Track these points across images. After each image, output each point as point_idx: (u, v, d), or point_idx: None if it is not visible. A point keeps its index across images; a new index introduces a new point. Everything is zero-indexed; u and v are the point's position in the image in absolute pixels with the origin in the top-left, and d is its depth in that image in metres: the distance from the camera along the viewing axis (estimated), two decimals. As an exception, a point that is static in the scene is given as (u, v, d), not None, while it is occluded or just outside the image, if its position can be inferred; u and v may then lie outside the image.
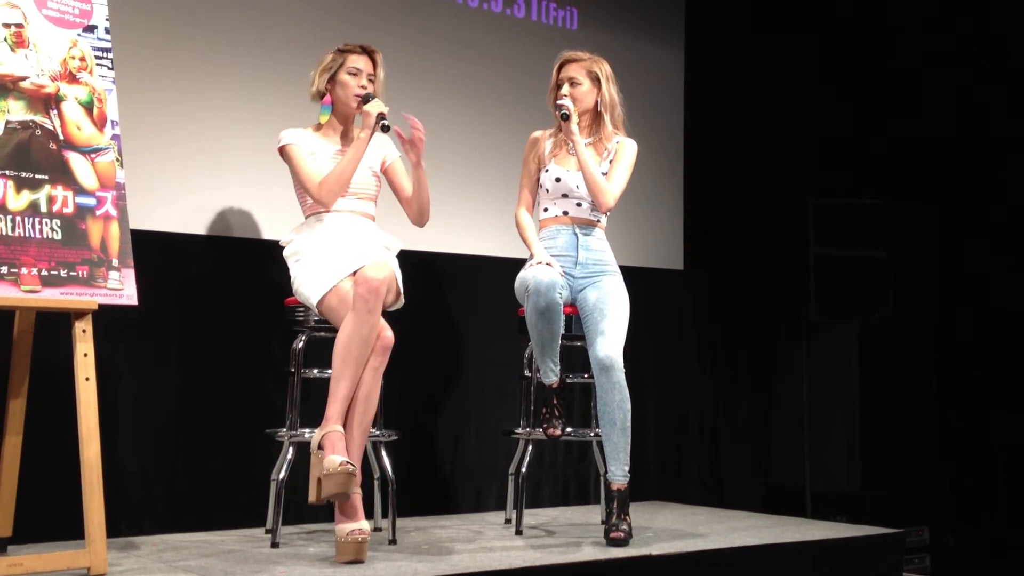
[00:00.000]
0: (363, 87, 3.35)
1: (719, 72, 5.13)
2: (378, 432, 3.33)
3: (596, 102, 3.52)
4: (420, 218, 3.47)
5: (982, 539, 5.14)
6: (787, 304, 5.25)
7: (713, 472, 5.01)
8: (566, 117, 3.38)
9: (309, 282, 3.18)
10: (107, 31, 2.97)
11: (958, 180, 5.38)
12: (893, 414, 5.28)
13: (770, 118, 5.23)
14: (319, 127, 3.41)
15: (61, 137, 2.81)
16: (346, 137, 3.41)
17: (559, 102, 3.43)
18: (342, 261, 3.15)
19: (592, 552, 3.16)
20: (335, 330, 3.08)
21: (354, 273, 3.10)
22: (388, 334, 3.07)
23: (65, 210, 2.78)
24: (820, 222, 5.11)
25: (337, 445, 2.93)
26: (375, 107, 3.28)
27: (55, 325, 2.92)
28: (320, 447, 2.94)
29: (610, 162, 3.51)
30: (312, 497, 2.92)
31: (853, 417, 5.22)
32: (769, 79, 5.24)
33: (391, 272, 3.12)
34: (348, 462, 2.88)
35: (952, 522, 5.24)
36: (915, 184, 5.42)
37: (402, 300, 3.28)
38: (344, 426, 2.99)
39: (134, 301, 2.87)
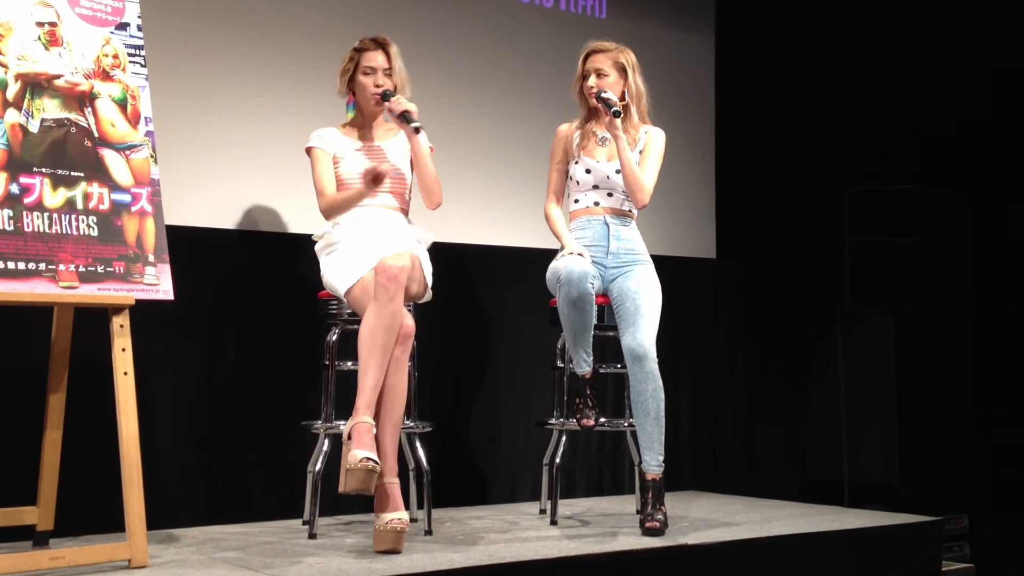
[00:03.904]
0: (379, 85, 3.36)
1: (750, 59, 5.09)
2: (412, 424, 3.34)
3: (623, 93, 3.50)
4: (430, 198, 3.39)
5: (1022, 527, 5.08)
6: (821, 293, 5.21)
7: (748, 462, 4.99)
8: (618, 115, 3.33)
9: (336, 274, 3.21)
10: (139, 28, 2.99)
11: (993, 164, 5.31)
12: (931, 402, 5.23)
13: (803, 105, 5.18)
14: (348, 123, 3.44)
15: (96, 134, 2.84)
16: (371, 133, 3.43)
17: (604, 95, 3.38)
18: (368, 253, 3.16)
19: (627, 542, 3.15)
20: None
21: None
22: (409, 322, 3.06)
23: (101, 207, 2.81)
24: (855, 210, 5.06)
25: (364, 438, 2.91)
26: (399, 106, 3.27)
27: (93, 321, 2.95)
28: (349, 437, 2.96)
29: (640, 152, 3.50)
30: (341, 487, 2.93)
31: (890, 405, 5.17)
32: (801, 66, 5.19)
33: (412, 261, 3.11)
34: (370, 458, 2.86)
35: (992, 511, 5.19)
36: (950, 169, 5.36)
37: (430, 293, 3.28)
38: (376, 420, 3.01)
39: (170, 296, 2.90)
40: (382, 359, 2.99)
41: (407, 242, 3.27)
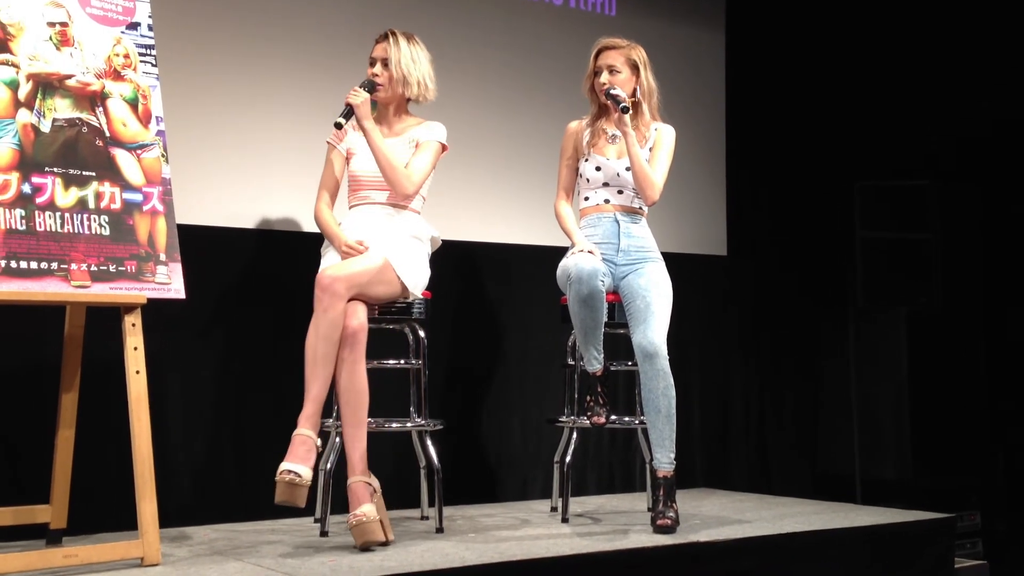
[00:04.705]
0: (375, 74, 3.35)
1: (760, 55, 5.08)
2: (423, 421, 3.35)
3: (634, 90, 3.50)
4: (393, 190, 3.29)
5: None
6: (833, 290, 5.19)
7: (760, 459, 4.98)
8: (626, 110, 3.33)
9: None
10: (150, 28, 3.00)
11: (1005, 159, 5.28)
12: (944, 399, 5.21)
13: (813, 101, 5.17)
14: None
15: (107, 134, 2.85)
16: (382, 121, 3.40)
17: (613, 92, 3.37)
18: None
19: (639, 539, 3.15)
20: (381, 321, 3.09)
21: None
22: (353, 323, 3.02)
23: (113, 206, 2.82)
24: (866, 205, 5.05)
25: (297, 450, 2.92)
26: (355, 98, 3.23)
27: (105, 319, 2.96)
28: None
29: (650, 150, 3.49)
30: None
31: (903, 402, 5.15)
32: (811, 62, 5.17)
33: (356, 271, 3.06)
34: (292, 471, 2.87)
35: (1005, 507, 5.17)
36: (961, 164, 5.34)
37: (412, 294, 3.24)
38: (342, 423, 3.03)
39: (181, 295, 2.91)
40: (324, 370, 2.99)
41: (392, 242, 3.23)
